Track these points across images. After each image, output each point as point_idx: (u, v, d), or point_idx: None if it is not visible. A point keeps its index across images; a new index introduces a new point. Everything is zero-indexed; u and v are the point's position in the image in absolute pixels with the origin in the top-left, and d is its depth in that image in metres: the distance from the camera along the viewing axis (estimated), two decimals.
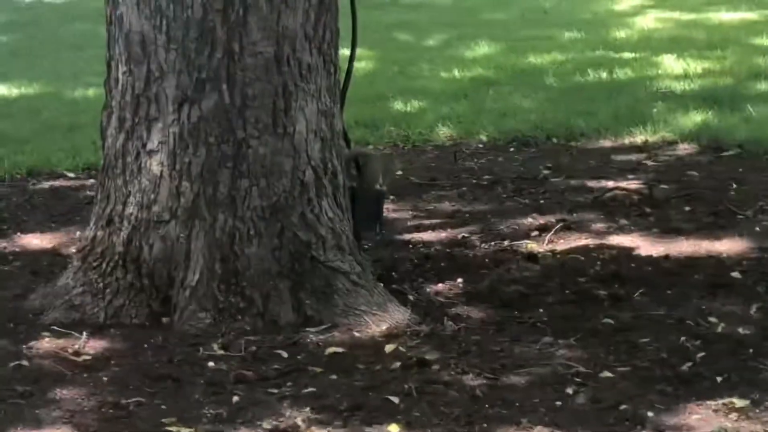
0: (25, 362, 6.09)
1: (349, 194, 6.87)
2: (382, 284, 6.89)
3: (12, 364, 6.08)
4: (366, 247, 7.41)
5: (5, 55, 14.74)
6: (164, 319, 6.55)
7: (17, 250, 7.90)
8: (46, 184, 9.32)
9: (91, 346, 6.29)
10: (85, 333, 6.41)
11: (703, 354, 5.96)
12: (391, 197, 8.76)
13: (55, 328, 6.48)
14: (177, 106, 6.41)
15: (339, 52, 6.78)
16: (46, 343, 6.30)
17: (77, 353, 6.21)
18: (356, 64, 13.68)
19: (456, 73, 12.62)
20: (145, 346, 6.29)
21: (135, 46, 6.44)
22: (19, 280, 7.24)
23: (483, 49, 13.69)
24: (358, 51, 13.92)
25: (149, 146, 6.48)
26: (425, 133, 10.46)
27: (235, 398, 5.67)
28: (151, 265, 6.55)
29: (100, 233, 6.67)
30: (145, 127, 6.48)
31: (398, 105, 11.34)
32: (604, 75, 12.04)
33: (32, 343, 6.31)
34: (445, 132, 10.41)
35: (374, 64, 13.23)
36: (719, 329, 6.25)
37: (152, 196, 6.49)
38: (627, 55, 13.07)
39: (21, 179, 9.65)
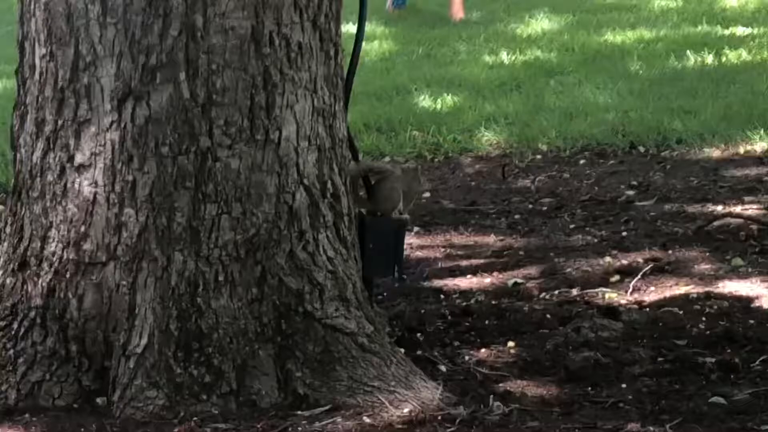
0: None
1: (357, 224, 6.65)
2: (402, 350, 6.66)
3: None
4: (380, 297, 7.22)
5: None
6: (99, 400, 6.30)
7: None
8: None
9: None
10: None
11: None
12: (417, 229, 8.59)
13: None
14: (117, 102, 6.17)
15: (342, 27, 6.56)
16: None
17: None
18: (366, 45, 13.59)
19: (504, 56, 12.40)
20: None
21: (58, 19, 6.21)
22: None
23: (542, 23, 13.46)
24: (369, 26, 13.86)
25: (78, 159, 6.25)
26: (462, 139, 10.23)
27: None
28: (80, 325, 6.32)
29: (9, 280, 6.45)
30: (72, 133, 6.25)
31: (425, 101, 11.13)
32: (709, 59, 11.78)
33: None
34: (489, 138, 10.20)
35: (391, 44, 12.98)
36: None
37: (82, 229, 6.27)
38: (740, 30, 12.81)
39: None
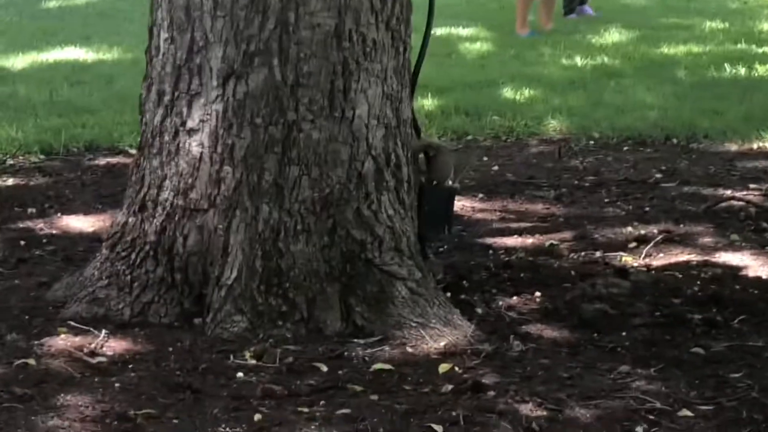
0: (32, 361, 5.82)
1: (416, 190, 6.46)
2: (446, 294, 6.57)
3: (17, 362, 5.81)
4: (439, 250, 7.03)
5: (93, 16, 14.51)
6: (196, 320, 6.25)
7: (54, 232, 7.66)
8: (103, 161, 9.04)
9: (109, 346, 6.00)
10: (105, 331, 6.12)
11: None
12: (481, 195, 8.41)
13: (73, 323, 6.20)
14: (222, 80, 6.11)
15: (412, 28, 6.37)
16: (61, 341, 6.03)
17: (92, 354, 5.93)
18: (469, 45, 13.43)
19: (578, 60, 12.22)
20: (170, 349, 5.98)
21: (179, 10, 6.16)
22: (48, 267, 7.00)
23: (613, 36, 13.27)
24: (474, 30, 13.67)
25: (189, 124, 6.18)
26: (532, 125, 10.06)
27: (258, 416, 5.35)
28: (184, 259, 6.26)
29: (131, 219, 6.39)
30: (185, 103, 6.19)
31: (507, 92, 10.96)
32: (742, 71, 11.56)
33: (45, 340, 6.04)
34: (554, 125, 10.02)
35: (489, 46, 12.84)
36: None
37: (190, 181, 6.19)
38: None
39: (77, 153, 9.33)
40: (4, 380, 5.65)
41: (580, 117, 10.06)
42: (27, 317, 6.33)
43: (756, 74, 11.44)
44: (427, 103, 10.64)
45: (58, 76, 11.20)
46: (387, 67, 6.25)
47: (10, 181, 8.69)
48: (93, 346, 5.99)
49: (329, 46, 6.14)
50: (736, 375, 5.76)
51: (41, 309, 6.39)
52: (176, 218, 6.26)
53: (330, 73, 6.15)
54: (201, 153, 6.17)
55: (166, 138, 6.26)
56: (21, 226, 7.72)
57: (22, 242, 7.42)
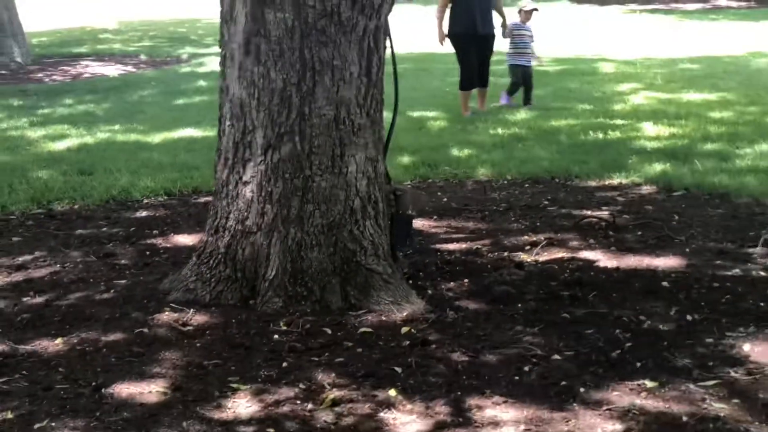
0: (146, 330, 5.60)
1: (388, 218, 6.23)
2: (408, 281, 6.33)
3: (137, 330, 5.58)
4: (406, 253, 6.79)
5: (204, 108, 14.26)
6: (251, 302, 6.02)
7: (168, 246, 7.43)
8: (203, 200, 8.77)
9: (195, 320, 5.76)
10: (192, 310, 5.91)
11: (630, 344, 5.32)
12: (434, 217, 8.18)
13: (173, 305, 5.96)
14: (263, 150, 5.85)
15: (383, 116, 6.13)
16: (165, 316, 5.79)
17: (184, 324, 5.70)
18: (433, 123, 13.17)
19: (499, 130, 11.96)
20: (233, 321, 5.75)
21: (236, 107, 5.91)
22: (163, 268, 6.76)
23: (522, 114, 12.94)
24: (437, 113, 13.39)
25: (245, 178, 5.95)
26: (468, 172, 9.80)
27: (285, 363, 5.14)
28: (243, 263, 6.02)
29: (210, 239, 6.16)
30: (241, 165, 5.93)
31: (455, 152, 10.74)
32: (600, 135, 11.31)
33: (156, 315, 5.80)
34: (483, 171, 9.77)
35: (445, 123, 12.62)
36: (646, 325, 5.59)
37: (245, 215, 5.97)
38: (619, 121, 12.31)
39: (187, 195, 9.11)
40: (128, 342, 5.45)
41: (499, 166, 9.81)
42: (145, 301, 6.10)
43: (608, 137, 11.18)
44: (404, 159, 10.38)
45: (179, 146, 10.97)
46: (368, 140, 6.03)
47: (144, 213, 8.48)
48: (185, 319, 5.76)
49: (331, 128, 5.87)
50: (590, 331, 5.53)
51: (155, 296, 6.17)
52: (237, 238, 6.03)
53: (332, 145, 5.89)
54: (252, 197, 5.94)
55: (230, 187, 6.04)
56: (147, 242, 7.52)
57: (147, 252, 7.20)
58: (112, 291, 6.34)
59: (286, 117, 5.82)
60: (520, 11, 14.31)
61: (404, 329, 5.58)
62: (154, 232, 7.84)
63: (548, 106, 13.96)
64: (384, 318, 5.77)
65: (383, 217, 6.15)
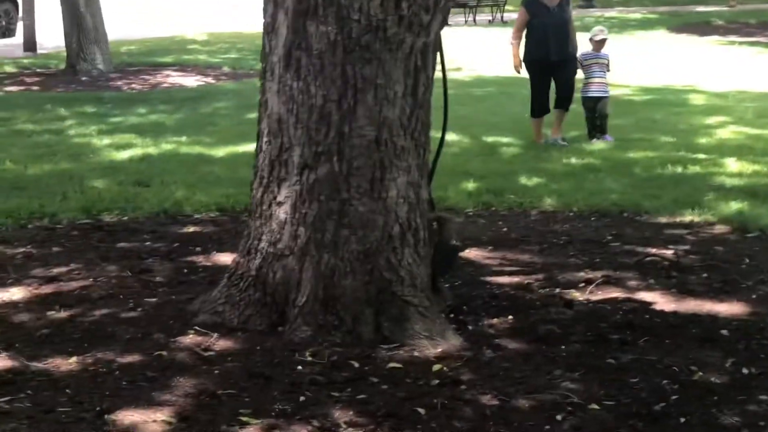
0: (165, 353, 5.39)
1: (431, 247, 5.93)
2: (450, 315, 6.07)
3: (156, 353, 5.34)
4: (453, 285, 6.51)
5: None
6: (280, 328, 5.75)
7: (208, 264, 7.22)
8: None
9: (218, 345, 5.54)
10: (217, 334, 5.70)
11: (676, 397, 4.97)
12: (490, 247, 7.86)
13: (197, 328, 5.76)
14: (300, 170, 5.60)
15: (429, 138, 5.84)
16: (188, 339, 5.58)
17: (206, 349, 5.48)
18: (506, 149, 12.82)
19: (573, 160, 11.55)
20: (258, 348, 5.51)
21: (273, 123, 5.67)
22: (197, 288, 6.53)
23: (599, 145, 12.50)
24: (511, 139, 13.05)
25: (279, 198, 5.71)
26: (534, 201, 9.43)
27: (303, 398, 4.89)
28: (273, 287, 5.78)
29: (242, 260, 5.93)
30: (276, 184, 5.68)
31: (523, 179, 10.36)
32: (678, 169, 10.86)
33: (179, 338, 5.60)
34: (549, 202, 9.38)
35: (518, 150, 12.27)
36: (696, 377, 5.22)
37: (278, 236, 5.74)
38: (701, 156, 11.83)
39: (239, 212, 8.88)
40: (143, 365, 5.24)
41: (566, 197, 9.43)
42: (171, 322, 5.89)
43: (687, 172, 10.73)
44: (470, 185, 10.05)
45: (241, 161, 10.73)
46: (411, 164, 5.76)
47: (192, 229, 8.29)
48: (208, 344, 5.53)
49: (372, 149, 5.63)
50: (634, 380, 5.18)
51: (183, 316, 5.96)
52: (269, 261, 5.79)
53: (372, 167, 5.65)
54: (286, 218, 5.70)
55: (264, 207, 5.82)
56: (188, 259, 7.32)
57: (185, 270, 6.99)
58: (139, 309, 6.14)
59: (325, 135, 5.57)
60: (590, 40, 13.56)
61: (436, 367, 5.29)
62: (197, 249, 7.62)
63: (628, 137, 13.52)
64: (416, 353, 5.47)
65: (424, 245, 5.86)
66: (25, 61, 23.03)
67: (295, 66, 5.59)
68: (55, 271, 7.00)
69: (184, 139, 13.00)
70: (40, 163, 11.07)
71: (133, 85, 19.50)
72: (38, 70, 21.82)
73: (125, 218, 8.72)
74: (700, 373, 5.24)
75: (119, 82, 19.76)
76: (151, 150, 12.06)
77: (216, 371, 5.17)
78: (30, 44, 25.35)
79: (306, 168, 5.62)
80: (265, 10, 5.74)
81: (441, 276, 6.07)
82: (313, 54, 5.52)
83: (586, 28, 12.84)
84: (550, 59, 12.35)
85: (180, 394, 4.86)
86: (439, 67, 5.99)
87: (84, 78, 20.33)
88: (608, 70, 13.46)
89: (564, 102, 12.81)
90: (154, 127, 14.13)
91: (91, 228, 8.32)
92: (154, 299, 6.34)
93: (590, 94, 13.14)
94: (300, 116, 5.61)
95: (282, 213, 5.72)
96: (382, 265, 5.69)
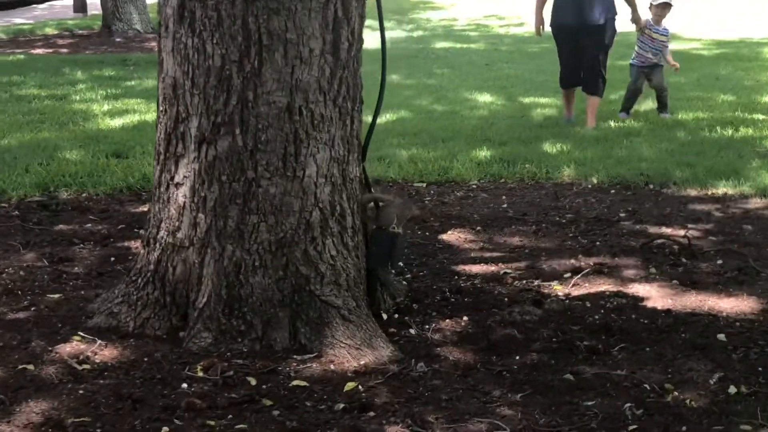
0: (31, 367, 4.57)
1: (366, 234, 5.03)
2: (394, 315, 5.28)
3: (19, 366, 4.51)
4: (420, 274, 5.89)
5: None
6: (181, 334, 4.87)
7: None
8: None
9: (102, 354, 4.76)
10: (101, 342, 4.91)
11: (635, 426, 3.96)
12: (478, 228, 6.92)
13: (82, 334, 4.91)
14: (197, 144, 4.71)
15: (361, 104, 4.92)
16: (69, 348, 4.80)
17: (84, 361, 4.68)
18: (540, 110, 11.78)
19: (611, 123, 10.46)
20: (145, 359, 4.70)
21: (169, 88, 4.78)
22: (116, 280, 5.67)
23: (647, 104, 11.41)
24: (550, 100, 12.01)
25: (176, 179, 4.85)
26: (550, 172, 8.43)
27: (166, 428, 3.95)
28: (173, 285, 4.95)
29: (142, 251, 5.08)
30: (173, 162, 4.81)
31: (546, 146, 9.34)
32: (728, 132, 9.76)
33: (59, 346, 4.82)
34: (568, 172, 8.36)
35: (554, 111, 11.15)
36: (669, 398, 4.26)
37: (177, 224, 4.89)
38: (758, 116, 10.69)
39: None
40: (2, 383, 4.38)
41: (588, 166, 8.45)
42: (60, 325, 5.09)
43: (736, 135, 9.64)
44: (483, 153, 9.09)
45: None
46: (334, 135, 4.84)
47: (147, 207, 7.36)
48: (88, 353, 4.67)
49: (283, 119, 4.74)
50: (589, 403, 4.29)
51: (76, 318, 5.15)
52: (168, 253, 4.95)
53: (283, 140, 4.77)
54: (184, 202, 4.86)
55: (162, 189, 4.97)
56: (124, 244, 6.66)
57: (113, 258, 6.29)
58: (32, 309, 5.35)
59: (224, 103, 4.70)
60: (650, 6, 11.34)
61: (349, 385, 4.41)
62: (141, 231, 6.76)
63: (684, 96, 12.41)
64: (333, 366, 4.60)
65: (353, 234, 4.95)
66: (70, 22, 22.59)
67: (189, 19, 4.73)
68: None
69: None
70: (22, 132, 10.35)
71: None
72: (79, 31, 21.26)
73: (83, 195, 7.91)
74: (675, 393, 4.31)
75: (153, 44, 19.03)
76: (149, 117, 11.26)
77: (81, 392, 4.36)
78: (80, 5, 24.93)
79: (204, 142, 4.75)
80: None
81: (380, 269, 5.15)
82: (208, 5, 4.65)
83: None
84: (570, 24, 10.56)
85: (18, 424, 4.04)
86: (375, 17, 5.05)
87: (118, 39, 19.73)
88: (663, 51, 11.30)
89: (588, 84, 10.75)
90: None
91: (35, 207, 7.53)
92: (56, 295, 5.55)
93: (637, 63, 11.35)
94: (196, 80, 4.75)
95: (180, 196, 4.87)
96: (299, 259, 4.82)
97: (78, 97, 12.94)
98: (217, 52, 4.68)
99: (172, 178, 4.90)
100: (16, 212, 7.45)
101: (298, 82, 4.71)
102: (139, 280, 5.07)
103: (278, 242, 4.80)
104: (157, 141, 5.00)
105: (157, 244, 5.01)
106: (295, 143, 4.76)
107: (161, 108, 4.94)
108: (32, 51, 18.44)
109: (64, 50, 18.65)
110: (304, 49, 4.70)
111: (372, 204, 5.14)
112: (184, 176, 4.84)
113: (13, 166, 8.77)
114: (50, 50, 18.64)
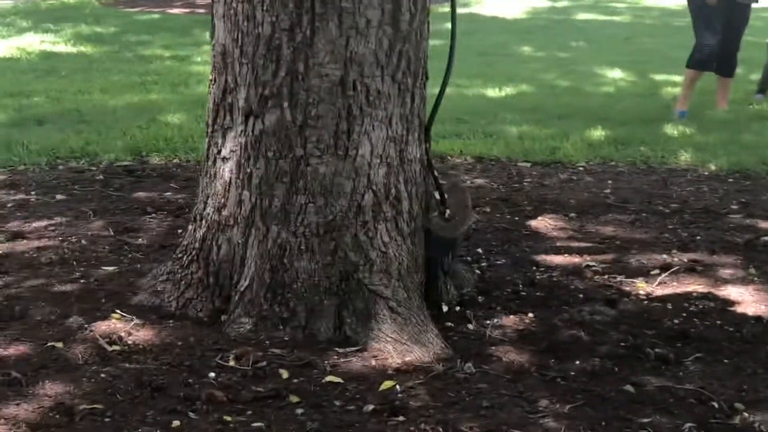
0: (61, 344, 4.34)
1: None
2: (457, 308, 4.94)
3: (48, 344, 4.31)
4: (496, 263, 5.52)
5: None
6: (223, 317, 4.60)
7: None
8: None
9: (135, 336, 4.54)
10: (138, 322, 4.67)
11: None
12: (571, 214, 6.53)
13: (120, 312, 4.66)
14: (244, 117, 4.46)
15: (424, 80, 4.60)
16: (104, 326, 4.58)
17: (115, 341, 4.47)
18: (671, 89, 11.23)
19: (751, 106, 9.85)
20: (179, 344, 4.48)
21: (218, 56, 4.55)
22: None
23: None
24: (681, 77, 11.43)
25: (223, 153, 4.62)
26: (666, 156, 7.96)
27: (177, 422, 3.73)
28: (217, 265, 4.71)
29: (190, 228, 4.86)
30: (221, 135, 4.56)
31: (668, 128, 8.82)
32: None
33: (95, 324, 4.59)
34: (685, 157, 7.88)
35: (675, 91, 10.57)
36: (736, 419, 3.81)
37: (222, 201, 4.64)
38: None
39: None
40: (21, 360, 4.32)
41: (707, 152, 7.93)
42: (104, 300, 4.87)
43: None
44: (597, 133, 8.64)
45: None
46: (392, 113, 4.52)
47: None
48: (121, 334, 4.45)
49: (335, 93, 4.46)
50: (645, 420, 3.89)
51: (123, 294, 4.93)
52: (213, 231, 4.73)
53: (336, 116, 4.48)
54: (231, 178, 4.62)
55: (209, 163, 4.74)
56: None
57: (180, 230, 5.91)
58: (82, 281, 5.16)
59: (273, 74, 4.42)
60: None
61: (386, 384, 4.11)
62: None
63: None
64: (374, 362, 4.30)
65: (410, 219, 4.65)
66: None
67: None
68: (34, 225, 6.13)
69: None
70: (132, 93, 10.27)
71: None
72: None
73: (174, 161, 7.75)
74: (744, 414, 3.89)
75: None
76: None
77: (102, 375, 4.15)
78: None
79: (251, 115, 4.49)
80: None
81: (441, 260, 4.83)
82: None
83: None
84: None
85: (30, 408, 3.86)
86: None
87: None
88: None
89: (725, 66, 10.11)
90: None
91: (121, 172, 7.40)
92: (111, 268, 5.37)
93: None
94: (245, 49, 4.49)
95: (227, 171, 4.63)
96: (348, 244, 4.54)
97: (200, 59, 12.85)
98: (267, 20, 4.41)
99: (219, 152, 4.67)
100: (101, 177, 7.32)
101: (353, 55, 4.42)
102: (185, 258, 4.85)
103: (326, 225, 4.51)
104: (207, 112, 4.76)
105: (203, 221, 4.79)
106: (348, 120, 4.46)
107: (211, 77, 4.70)
108: (168, 10, 18.47)
109: (201, 10, 18.64)
110: (360, 18, 4.40)
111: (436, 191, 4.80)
112: (231, 150, 4.60)
113: (113, 128, 8.66)
114: (187, 10, 18.65)
